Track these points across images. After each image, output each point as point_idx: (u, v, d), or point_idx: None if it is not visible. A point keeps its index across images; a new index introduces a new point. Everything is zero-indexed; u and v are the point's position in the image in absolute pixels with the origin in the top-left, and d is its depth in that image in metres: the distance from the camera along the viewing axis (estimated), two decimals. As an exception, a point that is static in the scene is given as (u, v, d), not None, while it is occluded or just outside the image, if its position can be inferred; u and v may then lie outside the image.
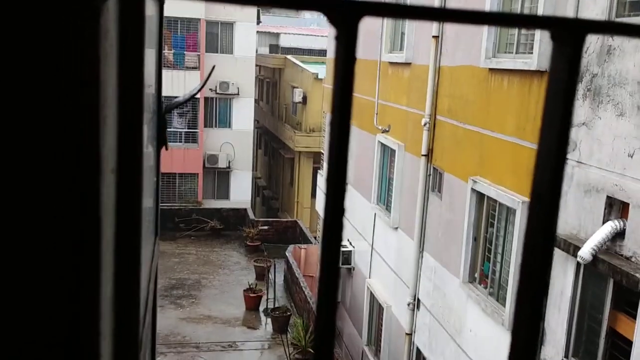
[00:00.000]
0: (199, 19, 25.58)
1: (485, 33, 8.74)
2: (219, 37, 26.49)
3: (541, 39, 7.45)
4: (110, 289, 0.76)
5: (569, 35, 0.46)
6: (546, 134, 0.47)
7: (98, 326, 0.60)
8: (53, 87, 0.50)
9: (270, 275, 18.62)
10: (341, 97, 0.42)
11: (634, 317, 6.01)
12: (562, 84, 0.46)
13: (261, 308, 17.83)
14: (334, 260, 0.44)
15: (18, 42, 0.48)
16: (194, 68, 25.64)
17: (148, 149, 1.42)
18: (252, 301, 17.79)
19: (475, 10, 0.44)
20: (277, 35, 36.08)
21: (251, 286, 18.08)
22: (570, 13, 6.92)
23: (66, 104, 0.50)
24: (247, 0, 0.40)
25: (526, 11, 8.14)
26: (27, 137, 0.50)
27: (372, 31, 13.54)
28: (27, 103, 0.50)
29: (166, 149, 1.76)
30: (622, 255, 6.17)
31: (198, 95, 25.31)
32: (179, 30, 25.72)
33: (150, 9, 1.38)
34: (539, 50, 7.47)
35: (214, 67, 3.62)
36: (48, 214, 0.53)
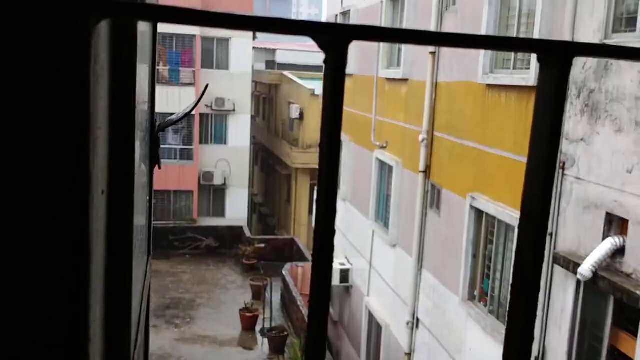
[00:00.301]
0: (195, 35, 25.68)
1: (482, 50, 8.74)
2: (214, 53, 26.57)
3: (538, 55, 7.45)
4: (100, 311, 0.75)
5: (555, 58, 0.46)
6: (535, 154, 0.49)
7: (87, 349, 0.59)
8: (43, 108, 0.50)
9: (266, 295, 18.47)
10: (330, 118, 0.41)
11: (635, 335, 5.93)
12: (549, 106, 0.47)
13: (258, 328, 17.66)
14: (326, 277, 0.44)
15: (11, 63, 0.49)
16: (190, 84, 25.67)
17: (141, 168, 1.39)
18: (249, 321, 17.62)
19: (463, 34, 0.45)
20: (274, 51, 36.26)
21: (247, 306, 17.92)
22: (566, 29, 6.92)
23: (56, 126, 0.50)
24: (238, 25, 0.39)
25: (523, 27, 8.15)
26: (16, 158, 0.50)
27: (368, 47, 13.58)
28: (17, 124, 0.50)
29: (159, 167, 1.70)
30: (622, 272, 6.11)
31: (193, 112, 25.31)
32: (174, 47, 25.80)
33: (143, 26, 1.35)
34: (537, 65, 7.46)
35: (207, 86, 3.59)
36: (36, 235, 0.53)
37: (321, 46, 0.39)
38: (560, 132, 0.48)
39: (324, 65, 0.40)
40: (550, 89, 0.46)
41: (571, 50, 0.47)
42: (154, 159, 1.69)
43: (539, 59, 0.48)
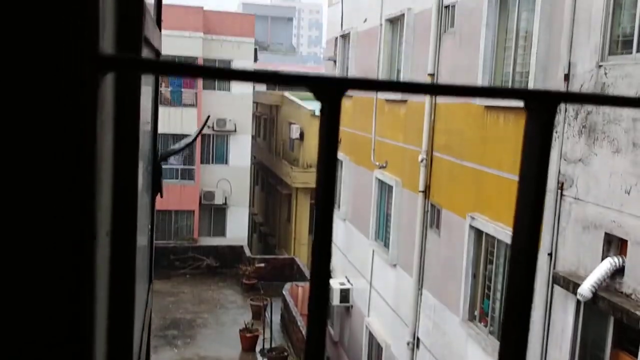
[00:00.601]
0: (197, 58, 25.88)
1: (480, 70, 8.84)
2: (216, 75, 26.75)
3: (535, 77, 7.53)
4: (102, 348, 0.75)
5: (541, 106, 0.49)
6: (522, 197, 0.50)
7: None
8: (49, 157, 0.52)
9: (266, 315, 18.38)
10: (326, 164, 0.44)
11: (636, 355, 5.92)
12: (536, 152, 0.49)
13: (258, 348, 17.54)
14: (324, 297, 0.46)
15: (20, 110, 0.50)
16: (191, 105, 25.82)
17: (143, 198, 1.42)
18: (249, 341, 17.51)
19: (455, 86, 0.48)
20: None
21: (247, 326, 17.82)
22: (563, 51, 7.01)
23: (62, 173, 0.52)
24: (239, 78, 0.43)
25: (520, 50, 8.25)
26: (21, 203, 0.52)
27: (368, 68, 13.71)
28: (25, 170, 0.52)
29: (161, 196, 1.74)
30: (622, 292, 6.12)
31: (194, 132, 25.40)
32: (176, 69, 25.95)
33: (146, 54, 1.40)
34: (534, 87, 7.54)
35: (208, 117, 3.65)
36: (42, 281, 0.54)
37: (317, 96, 0.42)
38: (547, 178, 0.51)
39: (320, 114, 0.43)
40: (536, 136, 0.49)
41: (556, 98, 0.50)
42: (156, 188, 1.73)
43: (525, 107, 0.50)
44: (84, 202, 0.53)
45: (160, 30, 1.69)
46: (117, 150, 0.75)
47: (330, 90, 0.42)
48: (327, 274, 0.45)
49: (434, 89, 0.49)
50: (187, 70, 0.40)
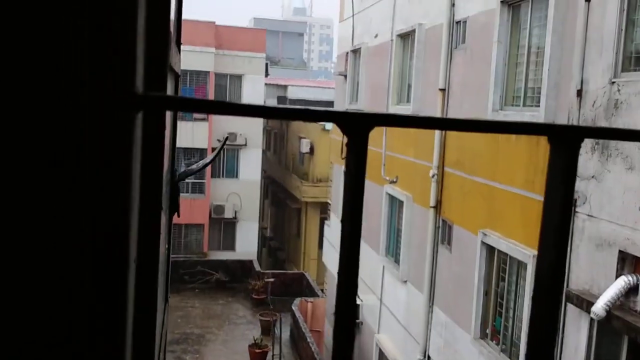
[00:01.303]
0: (208, 72, 26.06)
1: (492, 86, 8.82)
2: (227, 89, 26.92)
3: (548, 94, 7.50)
4: None
5: (564, 141, 0.49)
6: (547, 230, 0.50)
7: None
8: (90, 195, 0.53)
9: (276, 330, 18.30)
10: (352, 202, 0.44)
11: (652, 376, 5.82)
12: (560, 186, 0.49)
13: (267, 363, 17.44)
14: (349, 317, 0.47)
15: (66, 149, 0.52)
16: (203, 119, 25.96)
17: (162, 218, 1.43)
18: (258, 357, 17.42)
19: (477, 120, 0.49)
20: (285, 87, 36.69)
21: (256, 341, 17.74)
22: (575, 68, 6.98)
23: (100, 205, 0.54)
24: (269, 113, 0.44)
25: (532, 65, 8.22)
26: (61, 239, 0.53)
27: (379, 83, 13.73)
28: (66, 207, 0.53)
29: (178, 215, 1.73)
30: (636, 311, 6.03)
31: (205, 146, 25.53)
32: (188, 83, 26.18)
33: (170, 84, 1.40)
34: (546, 103, 7.51)
35: (227, 138, 3.68)
36: (79, 309, 0.55)
37: (344, 131, 0.42)
38: (571, 209, 0.51)
39: (346, 148, 0.43)
40: (560, 170, 0.48)
41: (580, 133, 0.49)
42: (174, 208, 1.72)
43: (549, 140, 0.50)
44: (120, 235, 0.54)
45: (180, 51, 1.70)
46: (143, 181, 0.76)
47: (357, 126, 0.41)
48: (353, 313, 0.44)
49: (457, 124, 0.48)
50: (215, 107, 0.40)
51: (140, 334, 0.83)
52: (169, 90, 1.37)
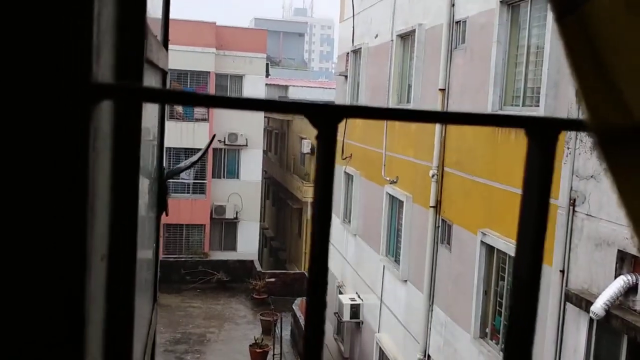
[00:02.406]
0: (209, 72, 26.08)
1: (491, 85, 8.83)
2: (228, 89, 26.93)
3: (547, 93, 7.51)
4: None
5: (542, 133, 0.49)
6: (524, 224, 0.50)
7: None
8: (40, 187, 0.51)
9: (276, 330, 18.31)
10: (322, 190, 0.44)
11: (651, 375, 5.83)
12: (537, 178, 0.49)
13: (267, 363, 17.46)
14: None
15: (11, 140, 0.50)
16: (203, 120, 25.98)
17: (147, 218, 1.42)
18: (258, 357, 17.44)
19: (453, 112, 0.49)
20: (286, 87, 36.72)
21: (257, 341, 17.76)
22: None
23: (52, 199, 0.52)
24: (235, 104, 0.44)
25: (531, 65, 8.24)
26: (10, 235, 0.51)
27: (379, 84, 13.75)
28: (14, 200, 0.51)
29: (166, 214, 1.75)
30: (635, 310, 6.04)
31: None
32: (188, 83, 26.20)
33: (152, 80, 1.41)
34: (546, 102, 7.52)
35: (214, 136, 3.69)
36: (29, 309, 0.53)
37: (314, 124, 0.43)
38: (548, 206, 0.51)
39: (316, 140, 0.44)
40: (537, 163, 0.49)
41: (557, 125, 0.49)
42: (161, 207, 1.73)
43: (526, 133, 0.50)
44: (76, 230, 0.53)
45: (167, 50, 1.70)
46: (116, 175, 0.75)
47: (326, 118, 0.42)
48: (323, 306, 0.45)
49: (435, 116, 0.49)
50: (178, 97, 0.41)
51: (116, 332, 0.82)
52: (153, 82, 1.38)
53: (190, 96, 0.40)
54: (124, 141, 0.77)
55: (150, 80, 1.31)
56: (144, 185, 1.30)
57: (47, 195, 0.51)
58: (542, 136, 0.49)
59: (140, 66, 0.87)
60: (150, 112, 1.39)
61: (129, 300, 0.85)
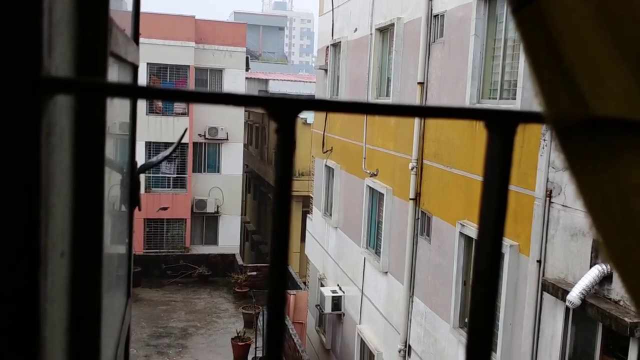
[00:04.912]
0: (189, 66, 25.90)
1: (469, 79, 8.91)
2: (207, 83, 26.78)
3: (523, 85, 7.61)
4: None
5: (501, 126, 0.49)
6: (484, 217, 0.50)
7: None
8: None
9: (259, 323, 18.34)
10: (281, 182, 0.45)
11: (625, 361, 5.96)
12: (497, 170, 0.49)
13: (250, 357, 17.49)
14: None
15: None
16: (183, 114, 25.81)
17: (117, 212, 1.42)
18: (241, 350, 17.46)
19: (413, 105, 0.50)
20: (266, 81, 36.59)
21: (239, 334, 17.77)
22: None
23: (2, 199, 0.50)
24: (192, 98, 0.44)
25: (508, 59, 8.33)
26: None
27: (359, 77, 13.78)
28: None
29: (139, 209, 1.76)
30: (610, 299, 6.17)
31: (187, 141, 25.41)
32: (168, 77, 26.00)
33: (120, 74, 1.41)
34: (522, 95, 7.62)
35: (186, 130, 3.69)
36: None
37: (272, 117, 0.44)
38: (507, 195, 0.51)
39: (275, 133, 0.46)
40: (497, 154, 0.50)
41: (516, 117, 0.50)
42: (134, 201, 1.73)
43: (485, 125, 0.51)
44: (27, 226, 0.51)
45: (137, 44, 1.70)
46: (78, 170, 0.74)
47: (285, 111, 0.44)
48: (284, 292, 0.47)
49: (392, 110, 0.50)
50: (133, 91, 0.42)
51: (82, 330, 0.80)
52: (119, 81, 1.37)
53: (142, 90, 0.41)
54: (86, 136, 0.75)
55: (118, 74, 1.31)
56: (113, 179, 1.30)
57: None
58: (502, 128, 0.50)
59: (104, 60, 0.85)
60: (120, 106, 1.39)
61: (96, 296, 0.85)
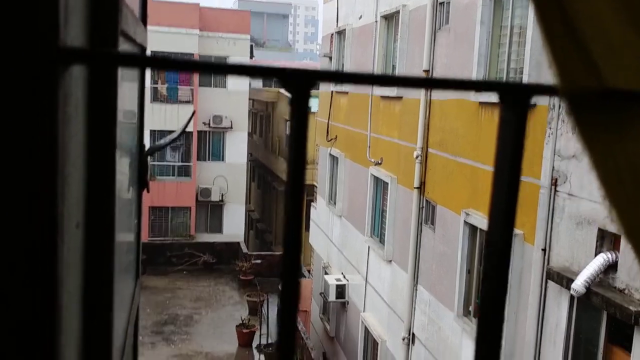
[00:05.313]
0: (193, 54, 25.84)
1: (475, 66, 8.86)
2: (212, 72, 26.71)
3: (529, 73, 7.56)
4: (76, 349, 0.74)
5: (514, 98, 0.49)
6: (497, 191, 0.50)
7: None
8: (8, 152, 0.50)
9: (263, 310, 18.42)
10: (296, 152, 0.45)
11: (629, 350, 5.97)
12: (510, 145, 0.49)
13: (254, 344, 17.59)
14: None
15: None
16: (188, 102, 25.79)
17: (126, 192, 1.42)
18: (245, 337, 17.56)
19: (426, 78, 0.50)
20: (270, 69, 36.41)
21: (244, 321, 17.86)
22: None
23: (20, 166, 0.51)
24: (208, 69, 0.43)
25: (514, 46, 8.27)
26: None
27: (364, 64, 13.71)
28: None
29: (147, 191, 1.75)
30: (615, 287, 6.16)
31: (191, 129, 25.40)
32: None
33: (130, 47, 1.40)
34: (528, 81, 7.54)
35: (194, 112, 3.69)
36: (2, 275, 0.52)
37: (287, 88, 0.44)
38: (520, 170, 0.51)
39: (289, 105, 0.46)
40: (511, 127, 0.49)
41: (530, 90, 0.50)
42: (142, 183, 1.74)
43: (500, 99, 0.51)
44: (45, 193, 0.52)
45: (145, 26, 1.69)
46: (92, 142, 0.75)
47: (299, 82, 0.43)
48: (298, 272, 0.47)
49: (408, 82, 0.50)
50: (149, 62, 0.41)
51: (94, 301, 0.82)
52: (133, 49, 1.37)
53: (162, 61, 0.41)
54: (99, 108, 0.76)
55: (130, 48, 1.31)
56: (123, 160, 1.30)
57: (13, 158, 0.50)
58: (515, 101, 0.50)
59: (115, 36, 0.86)
60: (129, 88, 1.39)
61: (108, 264, 0.86)
